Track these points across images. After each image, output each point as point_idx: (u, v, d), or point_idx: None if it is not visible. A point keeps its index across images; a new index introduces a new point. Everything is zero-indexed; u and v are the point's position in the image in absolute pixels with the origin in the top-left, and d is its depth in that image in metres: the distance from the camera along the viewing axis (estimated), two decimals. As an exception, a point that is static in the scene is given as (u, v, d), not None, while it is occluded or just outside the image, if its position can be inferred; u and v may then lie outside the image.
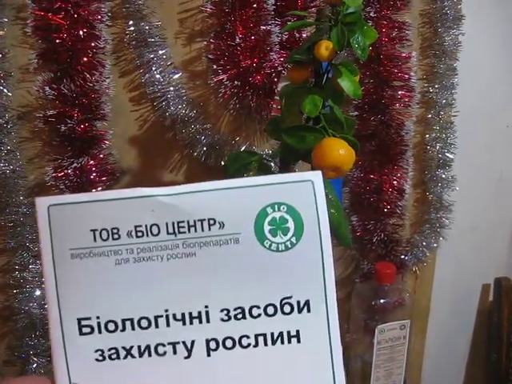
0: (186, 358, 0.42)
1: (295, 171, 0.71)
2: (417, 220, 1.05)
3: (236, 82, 0.84)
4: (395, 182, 0.96)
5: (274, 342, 0.43)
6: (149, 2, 0.82)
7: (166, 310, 0.42)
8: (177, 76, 0.87)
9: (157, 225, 0.41)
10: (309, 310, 0.42)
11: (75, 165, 0.83)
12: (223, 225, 0.41)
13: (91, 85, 0.81)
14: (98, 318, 0.42)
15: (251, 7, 0.82)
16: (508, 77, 1.02)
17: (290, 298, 0.42)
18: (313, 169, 0.64)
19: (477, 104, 1.01)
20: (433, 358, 1.16)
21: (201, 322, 0.42)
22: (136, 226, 0.41)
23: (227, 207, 0.41)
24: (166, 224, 0.41)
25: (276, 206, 0.41)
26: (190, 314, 0.42)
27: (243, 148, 0.91)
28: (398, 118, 0.93)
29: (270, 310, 0.42)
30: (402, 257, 1.02)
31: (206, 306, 0.42)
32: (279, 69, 0.85)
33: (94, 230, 0.41)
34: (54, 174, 0.84)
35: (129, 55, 0.85)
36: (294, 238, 0.42)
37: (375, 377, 0.95)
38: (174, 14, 0.85)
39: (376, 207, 0.97)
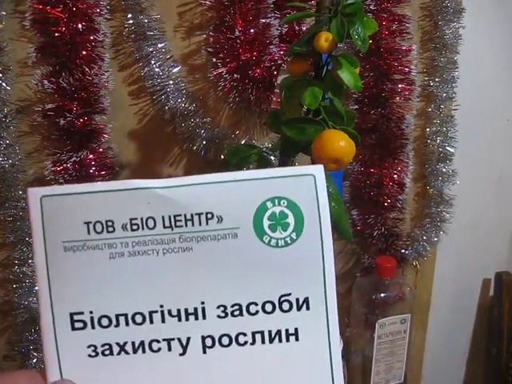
0: (181, 354, 0.42)
1: (295, 164, 0.71)
2: (417, 214, 1.05)
3: (235, 76, 0.84)
4: (395, 176, 0.96)
5: (271, 340, 0.42)
6: (148, -5, 0.82)
7: (161, 306, 0.41)
8: (176, 69, 0.86)
9: (153, 218, 0.40)
10: (308, 308, 0.42)
11: (74, 159, 0.83)
12: (221, 219, 0.41)
13: (90, 78, 0.81)
14: (91, 312, 0.41)
15: (250, 0, 0.82)
16: (509, 70, 1.01)
17: (288, 295, 0.42)
18: (313, 161, 0.63)
19: (477, 98, 1.00)
20: (433, 352, 1.16)
21: (197, 318, 0.42)
22: (131, 219, 0.40)
23: (226, 201, 0.41)
24: (163, 217, 0.40)
25: (276, 201, 0.41)
26: (186, 310, 0.41)
27: (243, 141, 0.90)
28: (399, 111, 0.93)
29: (268, 307, 0.42)
30: (403, 251, 1.02)
31: (203, 302, 0.41)
32: (279, 62, 0.84)
33: (87, 223, 0.40)
34: (53, 168, 0.83)
35: (128, 48, 0.85)
36: (294, 233, 0.41)
37: (376, 371, 0.95)
38: (173, 7, 0.85)
39: (376, 201, 0.97)
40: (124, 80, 0.87)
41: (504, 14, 0.97)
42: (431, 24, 0.94)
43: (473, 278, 1.16)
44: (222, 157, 0.88)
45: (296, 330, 0.42)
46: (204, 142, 0.88)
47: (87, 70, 0.80)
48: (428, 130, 0.98)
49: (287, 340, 0.42)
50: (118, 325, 0.41)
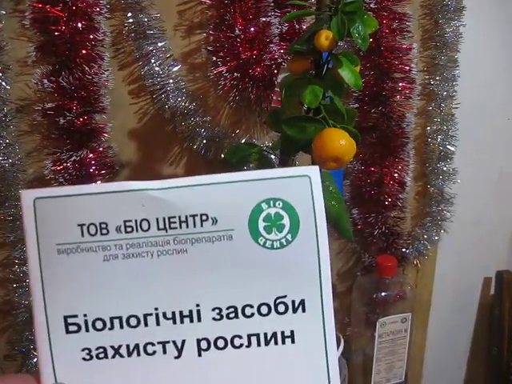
0: (176, 357, 0.42)
1: (296, 163, 0.70)
2: (418, 213, 1.05)
3: (236, 74, 0.84)
4: (396, 175, 0.96)
5: (267, 343, 0.42)
6: (147, -6, 0.82)
7: (156, 309, 0.41)
8: (176, 68, 0.86)
9: (147, 220, 0.40)
10: (304, 310, 0.42)
11: (74, 158, 0.83)
12: (216, 221, 0.40)
13: (90, 77, 0.81)
14: (85, 315, 0.41)
15: (250, -2, 0.82)
16: (510, 69, 1.01)
17: (284, 297, 0.42)
18: (313, 160, 0.63)
19: (478, 96, 1.00)
20: (434, 351, 1.16)
21: (192, 321, 0.41)
22: (125, 221, 0.40)
23: (220, 202, 0.40)
24: (157, 219, 0.40)
25: (271, 202, 0.41)
26: (181, 312, 0.41)
27: (243, 140, 0.90)
28: (399, 110, 0.93)
29: (264, 310, 0.42)
30: (403, 250, 1.02)
31: (198, 305, 0.41)
32: (279, 60, 0.84)
33: (81, 225, 0.40)
34: (53, 168, 0.83)
35: (128, 47, 0.85)
36: (289, 235, 0.41)
37: (376, 370, 0.95)
38: (173, 5, 0.85)
39: (377, 200, 0.97)
40: (124, 79, 0.87)
41: (504, 12, 0.97)
42: (432, 22, 0.93)
43: (473, 277, 1.16)
44: (223, 156, 0.88)
45: (292, 332, 0.42)
46: (204, 141, 0.88)
47: (87, 69, 0.80)
48: (429, 128, 0.98)
49: (283, 342, 0.42)
50: (112, 328, 0.41)
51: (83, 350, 0.41)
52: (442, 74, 0.95)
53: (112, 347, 0.41)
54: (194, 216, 0.40)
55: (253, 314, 0.41)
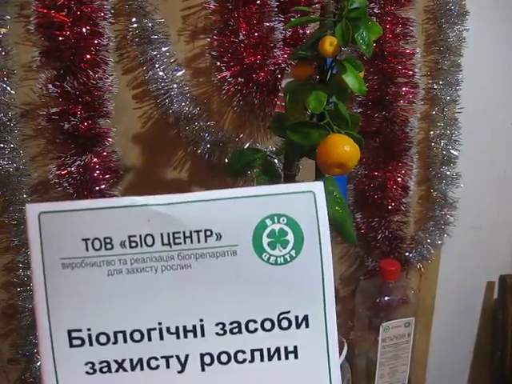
0: (179, 372, 0.42)
1: (299, 167, 0.71)
2: (421, 217, 1.05)
3: (239, 79, 0.84)
4: (399, 179, 0.96)
5: (270, 358, 0.42)
6: (152, -1, 0.82)
7: (160, 323, 0.41)
8: (180, 73, 0.87)
9: (151, 235, 0.40)
10: (307, 326, 0.42)
11: (78, 162, 0.83)
12: (220, 236, 0.41)
13: (94, 82, 0.81)
14: (89, 330, 0.41)
15: (255, 4, 0.82)
16: (512, 73, 1.02)
17: (288, 312, 0.42)
18: (317, 165, 0.63)
19: (481, 101, 1.00)
20: (437, 355, 1.16)
21: (195, 335, 0.42)
22: (130, 236, 0.40)
23: (225, 218, 0.41)
24: (161, 234, 0.40)
25: (275, 218, 0.41)
26: (185, 327, 0.41)
27: (247, 145, 0.90)
28: (402, 114, 0.93)
29: (267, 325, 0.42)
30: (407, 254, 1.02)
31: (201, 320, 0.42)
32: (283, 65, 0.84)
33: (86, 240, 0.40)
34: (57, 172, 0.84)
35: (132, 52, 0.85)
36: (293, 251, 0.41)
37: (380, 374, 0.95)
38: (177, 10, 0.85)
39: (380, 204, 0.97)
40: (128, 84, 0.87)
41: (508, 17, 0.97)
42: (435, 27, 0.93)
43: (477, 281, 1.16)
44: (226, 160, 0.88)
45: (295, 347, 0.42)
46: (208, 146, 0.88)
47: (91, 73, 0.80)
48: (432, 132, 0.98)
49: (286, 358, 0.42)
50: (116, 342, 0.41)
51: (87, 363, 0.41)
52: (445, 79, 0.95)
53: (116, 361, 0.41)
54: (198, 231, 0.40)
55: (256, 330, 0.42)
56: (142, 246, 0.40)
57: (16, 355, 0.95)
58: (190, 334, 0.41)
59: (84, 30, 0.78)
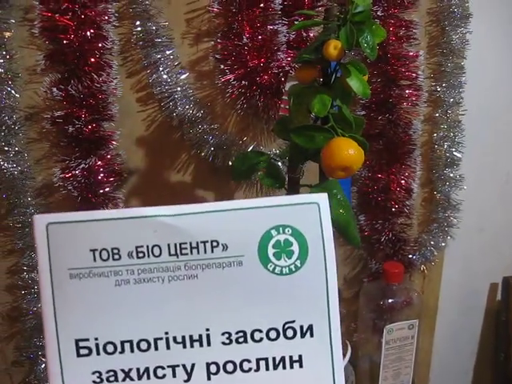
0: (185, 381, 0.42)
1: (303, 170, 0.71)
2: (425, 219, 1.05)
3: (243, 82, 0.84)
4: (403, 182, 0.96)
5: (275, 367, 0.42)
6: (156, 3, 0.82)
7: (166, 333, 0.42)
8: (184, 76, 0.87)
9: (158, 246, 0.41)
10: (312, 335, 0.42)
11: (83, 165, 0.84)
12: (226, 247, 0.41)
13: (98, 85, 0.81)
14: (96, 339, 0.41)
15: (258, 7, 0.82)
16: (516, 75, 1.02)
17: (293, 322, 0.42)
18: (321, 168, 0.64)
19: (484, 103, 1.00)
20: (441, 356, 1.16)
21: (201, 345, 0.42)
22: (137, 247, 0.41)
23: (231, 229, 0.41)
24: (168, 245, 0.41)
25: (281, 229, 0.41)
26: (191, 336, 0.42)
27: (250, 148, 0.91)
28: (406, 117, 0.93)
29: (273, 335, 0.42)
30: (410, 256, 1.02)
31: (207, 329, 0.42)
32: (286, 68, 0.84)
33: (93, 250, 0.41)
34: (61, 175, 0.84)
35: (136, 55, 0.85)
36: (298, 261, 0.41)
37: (383, 377, 0.95)
38: (181, 14, 0.85)
39: (384, 206, 0.97)
40: (132, 87, 0.87)
41: (510, 19, 0.97)
42: (438, 29, 0.94)
43: (480, 283, 1.16)
44: (230, 163, 0.88)
45: (300, 356, 0.42)
46: (212, 149, 0.88)
47: (96, 77, 0.81)
48: (435, 135, 0.98)
49: (291, 367, 0.42)
50: (123, 351, 0.41)
51: (94, 373, 0.42)
52: (448, 81, 0.95)
53: (122, 370, 0.42)
54: (204, 242, 0.41)
55: (262, 339, 0.42)
56: (149, 256, 0.41)
57: (20, 357, 0.95)
58: (197, 344, 0.42)
59: (88, 33, 0.79)
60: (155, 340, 0.42)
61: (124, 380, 0.42)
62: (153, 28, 0.83)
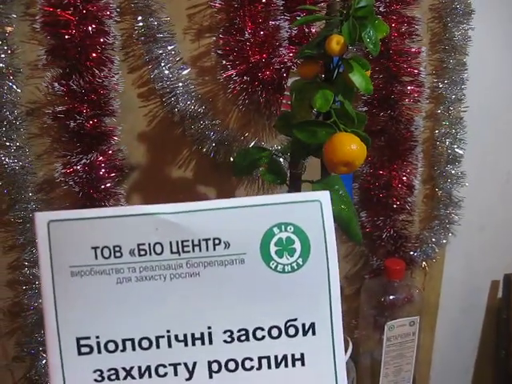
0: (187, 379, 0.42)
1: (305, 166, 0.71)
2: (426, 216, 1.05)
3: (245, 78, 0.84)
4: (404, 178, 0.96)
5: (277, 365, 0.42)
6: (157, -2, 0.82)
7: (168, 331, 0.42)
8: (185, 72, 0.86)
9: (160, 243, 0.41)
10: (314, 333, 0.42)
11: (84, 161, 0.83)
12: (228, 245, 0.41)
13: (100, 81, 0.81)
14: (97, 337, 0.41)
15: (260, 2, 0.82)
16: (518, 72, 1.01)
17: (295, 320, 0.42)
18: (323, 164, 0.63)
19: (486, 99, 1.00)
20: (442, 353, 1.16)
21: (203, 343, 0.42)
22: (139, 245, 0.41)
23: (233, 227, 0.41)
24: (170, 243, 0.41)
25: (283, 227, 0.41)
26: (193, 334, 0.42)
27: (252, 143, 0.90)
28: (408, 113, 0.93)
29: (275, 333, 0.42)
30: (412, 253, 1.02)
31: (209, 327, 0.42)
32: (288, 64, 0.84)
33: (95, 248, 0.41)
34: (63, 171, 0.84)
35: (137, 51, 0.85)
36: (300, 259, 0.41)
37: (384, 373, 0.95)
38: (183, 9, 0.85)
39: (385, 203, 0.97)
40: (134, 82, 0.87)
41: (513, 15, 0.97)
42: (440, 26, 0.93)
43: (481, 280, 1.16)
44: (232, 159, 0.88)
45: (302, 354, 0.42)
46: (213, 144, 0.88)
47: (97, 72, 0.80)
48: (437, 131, 0.98)
49: (293, 365, 0.42)
50: (124, 349, 0.41)
51: (95, 371, 0.42)
52: (450, 78, 0.95)
53: (124, 369, 0.42)
54: (206, 240, 0.41)
55: (264, 337, 0.42)
56: (150, 254, 0.41)
57: (21, 353, 0.95)
58: (198, 342, 0.42)
59: (90, 28, 0.78)
60: (157, 338, 0.42)
61: (125, 378, 0.42)
62: (154, 23, 0.82)
